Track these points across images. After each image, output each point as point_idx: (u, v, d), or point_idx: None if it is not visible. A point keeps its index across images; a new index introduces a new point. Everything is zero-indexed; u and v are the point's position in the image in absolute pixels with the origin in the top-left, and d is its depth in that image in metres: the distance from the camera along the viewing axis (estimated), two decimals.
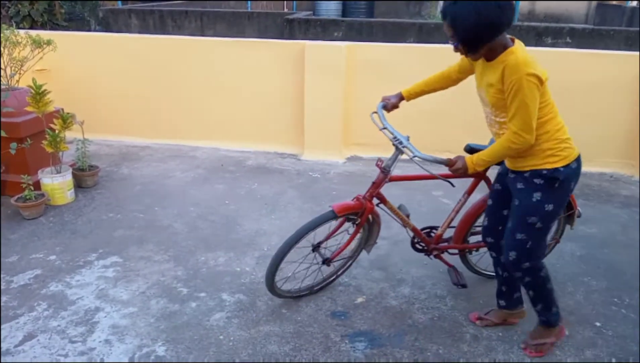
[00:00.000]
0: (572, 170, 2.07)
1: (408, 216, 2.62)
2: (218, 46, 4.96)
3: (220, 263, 3.09)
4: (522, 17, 14.33)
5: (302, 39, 7.74)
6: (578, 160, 2.09)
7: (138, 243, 3.29)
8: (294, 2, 17.48)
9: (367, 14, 16.77)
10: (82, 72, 5.09)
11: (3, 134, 3.55)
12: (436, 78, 2.43)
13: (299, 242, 2.47)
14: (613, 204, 4.08)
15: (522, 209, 2.11)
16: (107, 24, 9.63)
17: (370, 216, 2.57)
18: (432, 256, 2.79)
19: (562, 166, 2.03)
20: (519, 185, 2.13)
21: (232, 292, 2.80)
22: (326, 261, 2.67)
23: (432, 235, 2.76)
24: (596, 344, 2.47)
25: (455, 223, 2.71)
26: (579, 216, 2.69)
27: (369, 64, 4.65)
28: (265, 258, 3.13)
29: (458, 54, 2.07)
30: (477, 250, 2.84)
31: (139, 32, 7.30)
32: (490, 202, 2.42)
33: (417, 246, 2.79)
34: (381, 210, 2.59)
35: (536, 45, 7.60)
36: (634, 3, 11.82)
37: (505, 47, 1.95)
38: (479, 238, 2.65)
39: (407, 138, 2.30)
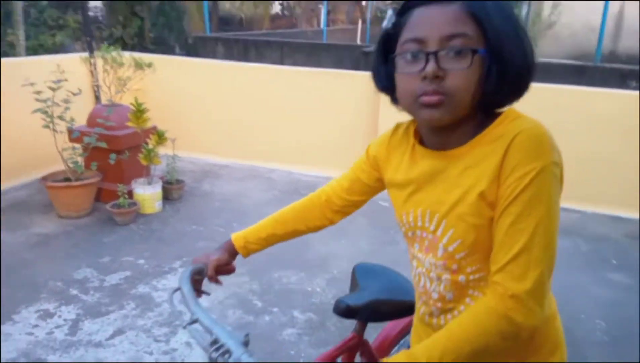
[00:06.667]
0: None
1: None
2: (297, 74, 5.25)
3: (293, 281, 3.22)
4: None
5: None
6: None
7: None
8: (367, 35, 17.87)
9: None
10: (172, 93, 5.52)
11: (103, 145, 3.92)
12: (297, 212, 1.32)
13: None
14: None
15: None
16: (195, 50, 10.32)
17: None
18: None
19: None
20: None
21: (302, 310, 2.92)
22: None
23: None
24: None
25: None
26: None
27: None
28: (334, 281, 3.23)
29: None
30: None
31: (224, 59, 7.78)
32: None
33: None
34: None
35: None
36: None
37: (495, 114, 0.95)
38: None
39: (247, 337, 0.93)
